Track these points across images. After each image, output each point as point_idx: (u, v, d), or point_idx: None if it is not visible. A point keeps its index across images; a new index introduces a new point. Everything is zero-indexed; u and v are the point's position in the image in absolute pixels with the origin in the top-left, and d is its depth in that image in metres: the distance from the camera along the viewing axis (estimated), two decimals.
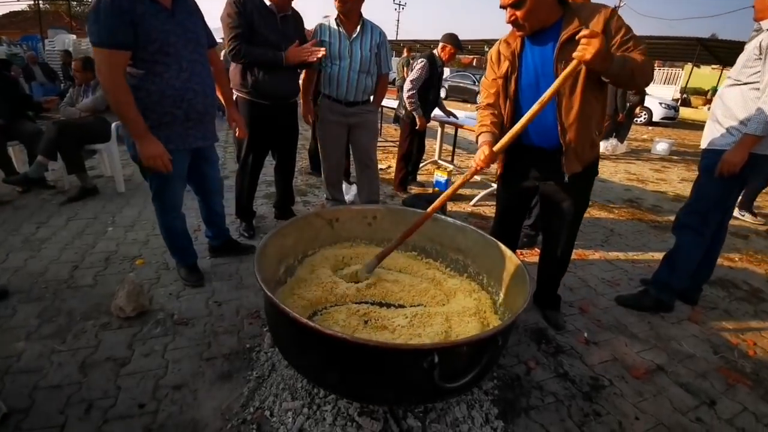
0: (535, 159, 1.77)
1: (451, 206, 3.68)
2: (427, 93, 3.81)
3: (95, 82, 3.44)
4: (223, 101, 2.21)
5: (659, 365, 1.85)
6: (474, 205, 3.82)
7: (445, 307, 1.67)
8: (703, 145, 2.03)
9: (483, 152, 1.55)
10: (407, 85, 3.69)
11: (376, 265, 1.76)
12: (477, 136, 1.70)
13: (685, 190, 5.16)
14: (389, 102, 5.56)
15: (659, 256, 2.99)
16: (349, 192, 3.85)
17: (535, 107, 1.41)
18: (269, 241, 1.50)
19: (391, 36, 6.41)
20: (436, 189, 4.07)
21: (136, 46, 1.61)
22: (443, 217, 1.95)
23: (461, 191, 4.01)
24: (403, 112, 3.91)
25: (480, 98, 1.83)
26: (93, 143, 3.42)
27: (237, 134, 2.30)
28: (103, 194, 3.48)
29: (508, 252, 1.61)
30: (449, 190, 1.63)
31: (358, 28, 2.53)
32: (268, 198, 3.55)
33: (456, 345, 1.13)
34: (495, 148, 1.54)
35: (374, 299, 1.72)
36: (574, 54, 1.32)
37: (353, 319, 1.54)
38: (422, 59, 3.68)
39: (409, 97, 3.67)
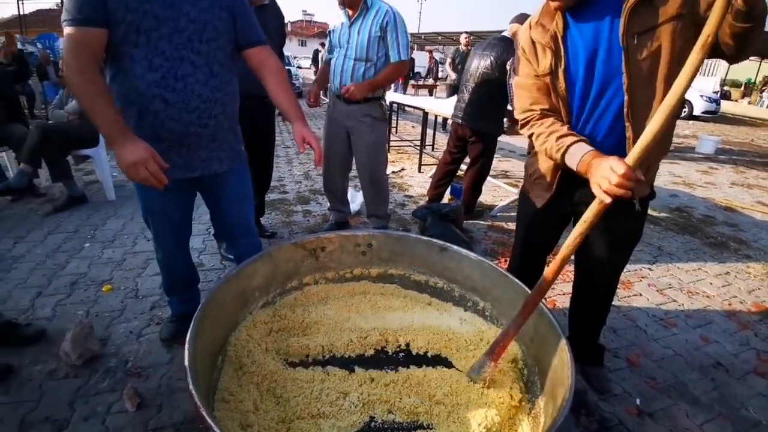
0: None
1: (468, 222, 3.27)
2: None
3: None
4: (284, 111, 1.47)
5: None
6: (493, 217, 3.41)
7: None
8: None
9: (614, 170, 0.98)
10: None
11: None
12: (562, 154, 1.17)
13: (738, 196, 4.59)
14: (413, 98, 5.14)
15: (718, 282, 2.55)
16: (356, 200, 3.51)
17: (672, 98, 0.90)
18: (221, 290, 1.17)
19: (412, 29, 5.94)
20: (452, 197, 3.65)
21: (108, 26, 1.18)
22: (456, 248, 1.58)
23: (482, 197, 3.60)
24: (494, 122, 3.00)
25: (519, 106, 1.32)
26: (79, 148, 3.17)
27: (315, 161, 1.44)
28: (93, 202, 3.24)
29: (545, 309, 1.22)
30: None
31: (359, 9, 2.26)
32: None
33: None
34: (632, 161, 0.98)
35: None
36: None
37: None
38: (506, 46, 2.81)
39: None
